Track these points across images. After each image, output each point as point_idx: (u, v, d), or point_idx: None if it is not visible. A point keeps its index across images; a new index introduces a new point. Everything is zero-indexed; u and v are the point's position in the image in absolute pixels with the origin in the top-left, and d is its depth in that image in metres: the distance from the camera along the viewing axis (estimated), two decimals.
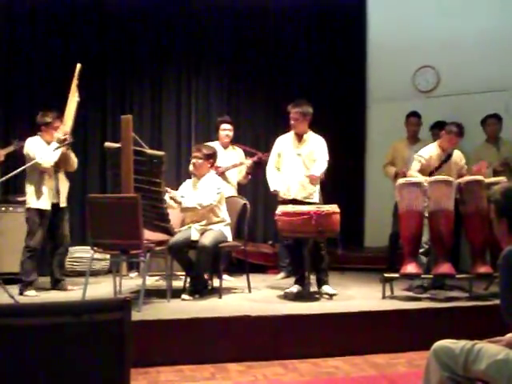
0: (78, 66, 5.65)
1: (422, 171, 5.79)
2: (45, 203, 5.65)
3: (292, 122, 5.68)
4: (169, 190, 5.46)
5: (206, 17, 7.85)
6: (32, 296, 5.47)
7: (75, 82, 5.65)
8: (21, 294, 5.48)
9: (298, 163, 5.68)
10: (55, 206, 5.75)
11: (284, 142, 5.80)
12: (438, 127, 6.84)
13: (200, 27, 7.80)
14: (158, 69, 7.77)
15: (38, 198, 5.63)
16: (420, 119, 6.99)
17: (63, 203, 5.83)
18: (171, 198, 5.48)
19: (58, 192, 5.77)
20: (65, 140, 5.56)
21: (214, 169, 6.02)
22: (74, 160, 5.85)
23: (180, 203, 5.49)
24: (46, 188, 5.66)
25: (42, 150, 5.60)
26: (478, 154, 6.63)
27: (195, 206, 5.48)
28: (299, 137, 5.72)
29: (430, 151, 5.90)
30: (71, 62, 6.99)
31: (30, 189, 5.65)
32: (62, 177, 5.84)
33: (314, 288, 5.61)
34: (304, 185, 5.66)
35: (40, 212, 5.63)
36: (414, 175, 5.75)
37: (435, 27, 7.68)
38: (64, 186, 5.86)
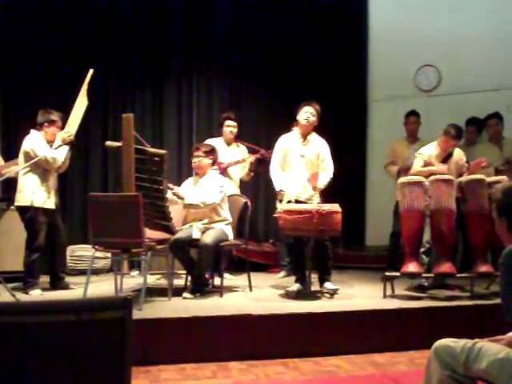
0: (91, 71, 5.59)
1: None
2: (50, 203, 5.64)
3: (306, 118, 5.62)
4: (171, 186, 5.47)
5: (207, 13, 7.86)
6: (38, 295, 5.46)
7: (85, 86, 5.60)
8: (26, 293, 5.46)
9: (301, 164, 5.67)
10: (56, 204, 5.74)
11: (288, 141, 5.78)
12: (471, 124, 6.94)
13: (201, 24, 7.81)
14: (160, 66, 7.78)
15: (44, 198, 5.58)
16: (419, 118, 6.99)
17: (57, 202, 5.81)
18: (174, 194, 5.48)
19: (56, 191, 5.78)
20: (70, 141, 5.53)
21: (217, 165, 6.02)
22: (67, 162, 5.80)
23: (183, 199, 5.49)
24: (50, 187, 5.64)
25: (47, 148, 5.54)
26: (481, 153, 6.63)
27: (198, 203, 5.47)
28: (303, 137, 5.71)
29: (430, 150, 5.91)
30: (73, 61, 7.07)
31: (31, 186, 5.54)
32: (56, 175, 5.83)
33: (315, 287, 5.62)
34: (306, 186, 5.65)
35: (44, 211, 5.59)
36: (418, 170, 5.76)
37: (437, 26, 7.68)
38: (56, 184, 5.84)
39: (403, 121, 7.05)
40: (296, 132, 5.79)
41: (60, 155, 5.55)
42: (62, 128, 5.63)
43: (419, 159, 5.93)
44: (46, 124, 5.63)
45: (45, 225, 5.60)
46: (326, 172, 5.68)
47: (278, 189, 5.70)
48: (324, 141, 5.74)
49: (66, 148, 5.57)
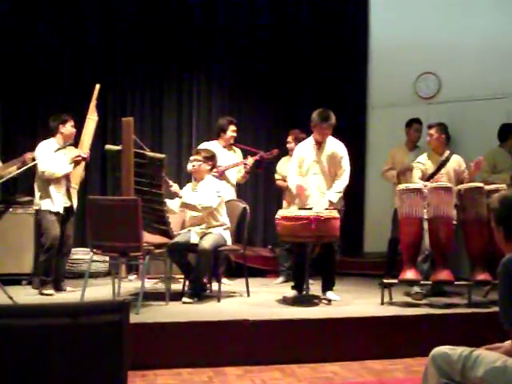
0: (97, 86, 5.65)
1: (423, 178, 5.83)
2: (59, 206, 5.70)
3: (324, 136, 5.59)
4: (171, 183, 5.47)
5: (207, 17, 7.86)
6: (51, 294, 5.56)
7: (94, 101, 5.67)
8: (40, 293, 5.58)
9: (317, 170, 5.62)
10: (66, 208, 5.78)
11: (304, 150, 5.71)
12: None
13: (201, 28, 7.81)
14: (159, 70, 7.77)
15: (53, 202, 5.66)
16: (421, 126, 7.00)
17: (73, 205, 5.86)
18: (173, 192, 5.49)
19: (69, 195, 5.81)
20: (78, 160, 5.67)
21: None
22: (82, 175, 5.97)
23: (181, 197, 5.48)
24: (59, 192, 5.70)
25: (48, 158, 5.57)
26: (492, 159, 6.52)
27: (195, 204, 5.45)
28: (319, 143, 5.65)
29: (425, 158, 5.95)
30: (72, 65, 7.08)
31: (42, 191, 5.67)
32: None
33: (313, 292, 5.61)
34: (324, 192, 5.60)
35: (54, 213, 5.67)
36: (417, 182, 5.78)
37: (437, 34, 7.67)
38: (74, 189, 5.87)
39: (404, 128, 7.05)
40: (311, 139, 5.72)
41: (59, 170, 5.63)
42: (75, 127, 5.76)
43: (418, 169, 5.94)
44: (60, 125, 5.72)
45: (56, 226, 5.66)
46: (341, 180, 5.63)
47: (292, 186, 5.63)
48: (340, 143, 5.70)
49: (71, 166, 5.68)
